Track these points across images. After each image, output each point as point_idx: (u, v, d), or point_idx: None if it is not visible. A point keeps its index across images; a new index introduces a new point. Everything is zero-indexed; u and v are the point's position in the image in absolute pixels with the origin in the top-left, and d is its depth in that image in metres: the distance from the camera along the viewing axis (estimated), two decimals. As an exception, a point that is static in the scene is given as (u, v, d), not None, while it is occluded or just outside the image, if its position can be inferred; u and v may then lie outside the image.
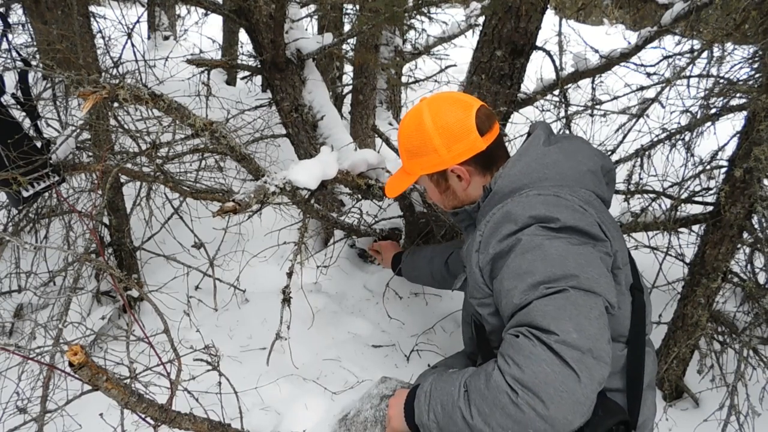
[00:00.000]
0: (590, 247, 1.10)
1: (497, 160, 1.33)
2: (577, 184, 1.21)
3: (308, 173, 1.63)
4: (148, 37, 6.04)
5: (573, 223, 1.10)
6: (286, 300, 1.80)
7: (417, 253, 2.04)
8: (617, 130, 3.03)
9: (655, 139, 2.71)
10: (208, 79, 3.10)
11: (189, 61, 2.66)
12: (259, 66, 2.82)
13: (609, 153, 2.93)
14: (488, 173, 1.34)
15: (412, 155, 1.36)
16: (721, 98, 2.33)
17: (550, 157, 1.24)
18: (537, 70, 3.02)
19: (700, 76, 2.67)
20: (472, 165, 1.32)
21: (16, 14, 2.88)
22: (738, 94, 2.23)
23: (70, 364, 1.00)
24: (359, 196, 2.25)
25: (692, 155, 2.64)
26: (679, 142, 2.66)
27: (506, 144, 1.41)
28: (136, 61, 2.97)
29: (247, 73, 4.55)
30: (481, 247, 1.20)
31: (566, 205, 1.13)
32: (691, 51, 2.74)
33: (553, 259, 1.07)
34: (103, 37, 2.75)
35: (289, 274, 1.82)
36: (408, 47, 4.85)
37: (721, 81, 2.40)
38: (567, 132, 1.53)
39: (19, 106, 2.02)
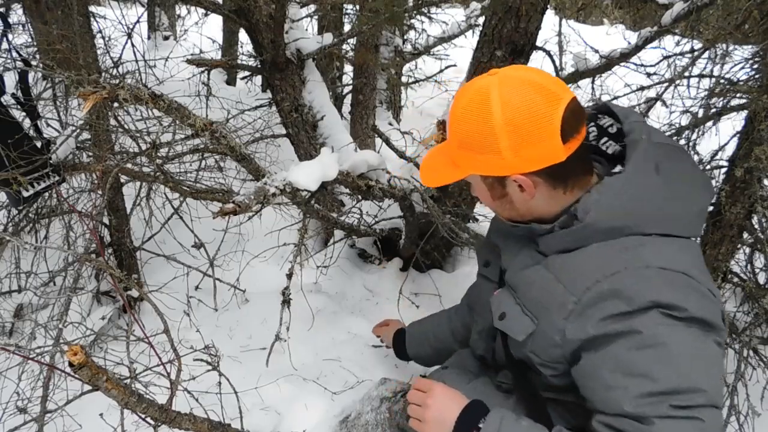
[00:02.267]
0: (713, 342, 0.90)
1: (576, 173, 1.01)
2: (686, 231, 0.97)
3: (308, 175, 1.62)
4: (148, 37, 6.04)
5: (701, 315, 0.89)
6: (286, 301, 1.80)
7: (418, 335, 1.73)
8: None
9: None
10: (208, 79, 3.10)
11: (189, 61, 2.66)
12: (259, 66, 2.82)
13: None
14: (560, 187, 1.00)
15: (467, 147, 1.00)
16: (722, 98, 2.32)
17: (664, 193, 0.95)
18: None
19: (700, 76, 2.67)
20: (543, 177, 0.99)
21: (16, 14, 2.88)
22: (738, 94, 2.23)
23: (70, 364, 1.00)
24: (359, 196, 2.25)
25: (697, 154, 2.64)
26: (681, 141, 2.66)
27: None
28: (136, 61, 2.97)
29: (247, 73, 4.56)
30: (573, 316, 0.95)
31: (696, 289, 0.90)
32: (691, 51, 2.74)
33: (679, 364, 0.86)
34: (103, 37, 2.75)
35: (289, 276, 1.82)
36: (408, 47, 4.84)
37: (722, 81, 2.40)
38: (668, 143, 1.13)
39: (19, 106, 2.02)
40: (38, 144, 1.98)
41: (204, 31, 4.65)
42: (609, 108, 1.09)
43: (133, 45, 3.03)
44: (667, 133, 2.74)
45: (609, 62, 2.89)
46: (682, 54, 2.78)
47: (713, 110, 2.39)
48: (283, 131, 2.92)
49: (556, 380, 1.05)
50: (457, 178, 1.07)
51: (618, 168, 1.01)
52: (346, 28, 4.39)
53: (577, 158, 0.98)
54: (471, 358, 1.40)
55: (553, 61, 2.91)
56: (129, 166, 2.17)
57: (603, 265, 0.93)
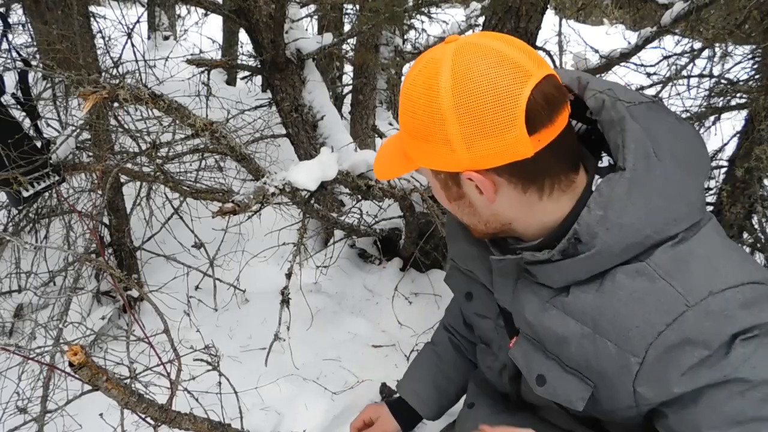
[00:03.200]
0: None
1: (552, 173, 0.77)
2: (702, 209, 0.78)
3: (308, 174, 1.62)
4: (148, 37, 6.04)
5: None
6: (285, 301, 1.80)
7: (426, 387, 1.28)
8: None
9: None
10: (208, 79, 3.10)
11: (189, 61, 2.66)
12: (259, 66, 2.82)
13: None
14: (533, 191, 0.77)
15: (413, 134, 0.78)
16: (722, 98, 2.33)
17: (674, 182, 0.75)
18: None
19: (700, 75, 2.67)
20: (504, 176, 0.76)
21: (16, 14, 2.88)
22: (738, 94, 2.23)
23: (70, 364, 1.00)
24: (359, 196, 2.25)
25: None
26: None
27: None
28: (136, 61, 2.97)
29: (247, 73, 4.56)
30: (642, 377, 0.75)
31: (762, 292, 0.72)
32: (691, 51, 2.74)
33: None
34: (103, 37, 2.75)
35: (288, 275, 1.82)
36: (408, 47, 4.84)
37: (722, 81, 2.40)
38: (641, 101, 0.82)
39: (19, 106, 2.02)
40: (38, 144, 1.98)
41: (204, 31, 4.65)
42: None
43: (133, 45, 3.03)
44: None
45: (609, 62, 2.89)
46: (682, 54, 2.78)
47: (713, 108, 2.39)
48: (283, 131, 2.92)
49: (620, 420, 0.87)
50: (407, 170, 0.85)
51: (606, 159, 0.79)
52: (346, 28, 4.39)
53: (553, 153, 0.74)
54: (489, 385, 1.15)
55: (553, 61, 2.91)
56: (129, 166, 2.17)
57: (657, 309, 0.72)
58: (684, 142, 0.80)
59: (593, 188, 0.77)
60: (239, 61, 3.85)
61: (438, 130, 0.73)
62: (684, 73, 2.74)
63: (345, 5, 4.17)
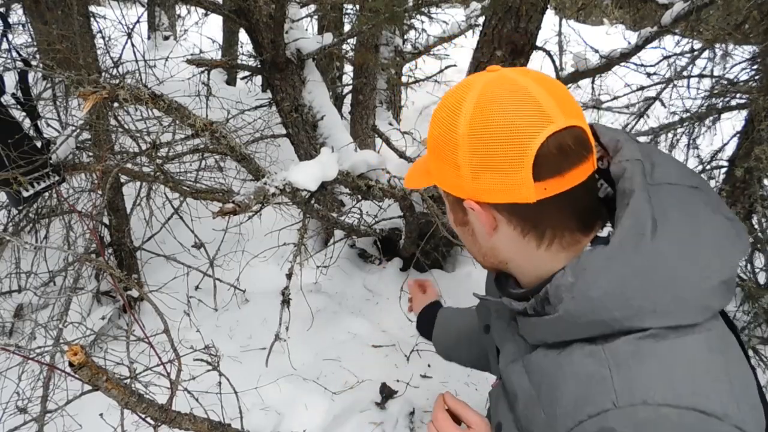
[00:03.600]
0: None
1: (555, 226, 0.75)
2: (701, 314, 0.69)
3: (308, 174, 1.62)
4: (148, 37, 6.05)
5: None
6: (286, 301, 1.80)
7: (461, 315, 1.39)
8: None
9: (658, 130, 2.71)
10: (208, 79, 3.10)
11: (189, 61, 2.66)
12: (259, 66, 2.82)
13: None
14: (532, 237, 0.76)
15: (432, 149, 0.80)
16: (722, 98, 2.33)
17: (664, 268, 0.68)
18: (537, 70, 3.02)
19: (700, 76, 2.67)
20: (504, 214, 0.75)
21: (16, 14, 2.88)
22: (738, 94, 2.23)
23: (70, 364, 1.00)
24: (359, 196, 2.25)
25: (697, 148, 2.64)
26: (683, 137, 2.66)
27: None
28: (136, 61, 2.97)
29: (247, 73, 4.56)
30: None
31: (709, 429, 0.64)
32: (691, 51, 2.74)
33: None
34: (103, 37, 2.75)
35: (289, 276, 1.82)
36: (408, 47, 4.85)
37: (722, 81, 2.40)
38: (677, 183, 0.74)
39: (19, 106, 2.02)
40: (38, 144, 1.98)
41: (204, 31, 4.66)
42: (596, 132, 0.81)
43: (133, 45, 3.03)
44: (670, 129, 2.75)
45: (609, 62, 2.89)
46: (682, 54, 2.79)
47: (713, 108, 2.39)
48: (283, 131, 2.92)
49: None
50: (425, 184, 0.84)
51: (608, 230, 0.76)
52: (346, 28, 4.39)
53: (560, 206, 0.72)
54: None
55: (553, 61, 2.91)
56: (129, 166, 2.17)
57: (587, 396, 0.68)
58: (703, 233, 0.71)
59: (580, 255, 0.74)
60: (239, 61, 3.85)
61: (450, 152, 0.74)
62: (684, 73, 2.74)
63: (345, 5, 4.17)
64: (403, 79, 5.24)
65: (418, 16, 4.54)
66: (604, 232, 0.75)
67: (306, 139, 2.77)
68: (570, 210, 0.73)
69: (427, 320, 1.44)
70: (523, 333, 0.81)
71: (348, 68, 4.89)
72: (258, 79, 4.95)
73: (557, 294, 0.72)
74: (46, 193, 2.18)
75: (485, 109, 0.70)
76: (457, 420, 0.91)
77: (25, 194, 1.92)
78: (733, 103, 2.35)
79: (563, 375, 0.72)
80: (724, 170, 2.28)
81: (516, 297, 0.81)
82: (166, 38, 6.24)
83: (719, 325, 0.70)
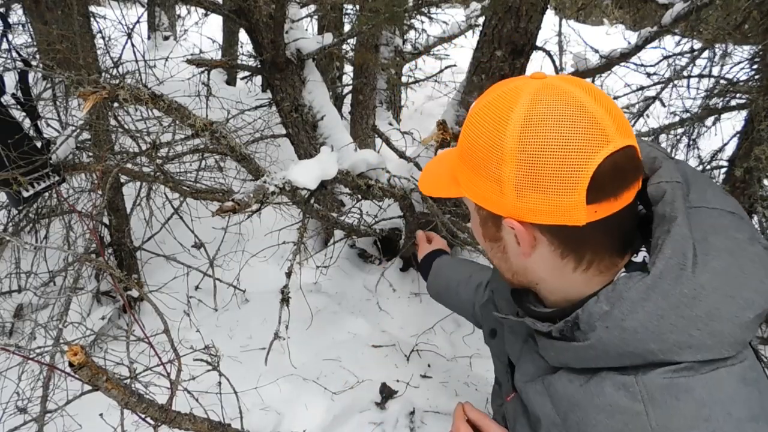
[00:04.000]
0: None
1: (597, 249, 0.70)
2: (735, 346, 0.66)
3: (307, 173, 1.63)
4: (148, 37, 6.05)
5: None
6: (285, 300, 1.80)
7: (453, 266, 1.46)
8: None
9: (659, 130, 2.71)
10: (208, 79, 3.10)
11: (189, 61, 2.66)
12: (259, 66, 2.82)
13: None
14: (571, 259, 0.71)
15: (467, 161, 0.73)
16: (722, 98, 2.33)
17: (704, 305, 0.65)
18: (537, 71, 3.02)
19: (700, 76, 2.67)
20: (546, 235, 0.70)
21: (16, 14, 2.89)
22: (738, 94, 2.23)
23: (70, 364, 1.00)
24: (359, 196, 2.25)
25: (697, 148, 2.64)
26: (683, 137, 2.66)
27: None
28: (136, 61, 2.97)
29: (247, 73, 4.57)
30: None
31: None
32: (691, 51, 2.75)
33: None
34: (103, 37, 2.75)
35: (288, 274, 1.82)
36: (408, 47, 4.85)
37: (722, 81, 2.41)
38: (714, 207, 0.71)
39: (19, 106, 2.02)
40: (38, 144, 1.98)
41: (204, 31, 4.66)
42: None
43: (133, 45, 3.03)
44: (667, 135, 2.75)
45: (609, 62, 2.89)
46: (682, 54, 2.79)
47: (713, 109, 2.39)
48: (283, 131, 2.92)
49: None
50: (454, 195, 0.78)
51: (642, 255, 0.71)
52: (346, 28, 4.39)
53: (606, 229, 0.68)
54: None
55: (553, 61, 2.91)
56: (129, 166, 2.17)
57: (621, 428, 0.66)
58: (744, 267, 0.68)
59: (614, 279, 0.70)
60: (239, 61, 3.85)
61: (493, 166, 0.68)
62: (684, 73, 2.74)
63: (345, 5, 4.17)
64: (403, 79, 5.24)
65: (418, 16, 4.55)
66: (638, 257, 0.72)
67: (306, 139, 2.77)
68: (615, 233, 0.69)
69: (426, 266, 1.55)
70: (544, 354, 0.78)
71: (348, 68, 4.89)
72: (258, 79, 4.95)
73: (590, 321, 0.69)
74: (46, 193, 2.18)
75: (538, 123, 0.64)
76: (476, 430, 0.89)
77: (25, 194, 1.92)
78: (733, 103, 2.35)
79: (594, 407, 0.69)
80: (724, 170, 2.28)
81: (539, 317, 0.77)
82: (166, 38, 6.24)
83: (750, 354, 0.67)
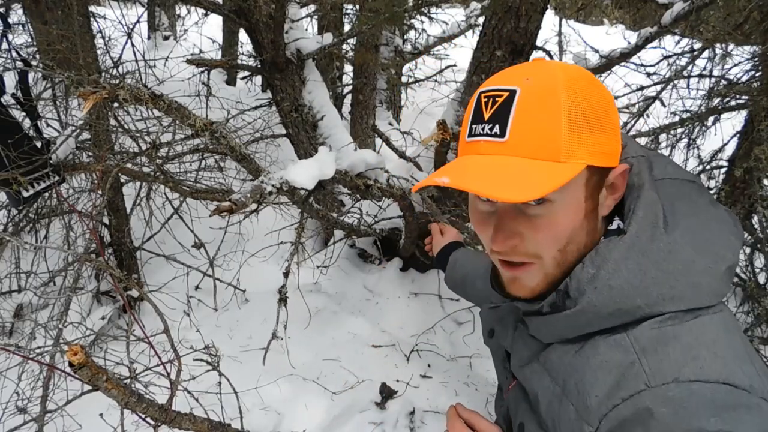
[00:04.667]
0: None
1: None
2: (713, 297, 0.73)
3: (305, 173, 1.63)
4: (148, 37, 6.05)
5: None
6: (283, 300, 1.80)
7: (470, 258, 1.46)
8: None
9: (659, 130, 2.71)
10: (208, 79, 3.10)
11: (189, 61, 2.66)
12: (259, 66, 2.82)
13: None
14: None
15: (588, 126, 0.71)
16: (722, 98, 2.33)
17: (679, 257, 0.72)
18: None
19: (700, 76, 2.67)
20: (621, 181, 0.76)
21: (16, 14, 2.89)
22: (738, 95, 2.23)
23: (70, 364, 1.00)
24: (358, 196, 2.25)
25: (697, 148, 2.64)
26: (683, 138, 2.66)
27: None
28: (136, 61, 2.97)
29: (247, 73, 4.57)
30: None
31: (747, 405, 0.66)
32: (691, 51, 2.74)
33: None
34: (103, 37, 2.76)
35: (286, 274, 1.82)
36: (408, 47, 4.85)
37: (722, 81, 2.40)
38: (676, 177, 0.80)
39: (19, 106, 2.02)
40: (38, 144, 1.98)
41: (204, 31, 4.65)
42: None
43: (133, 45, 3.03)
44: (667, 134, 2.74)
45: (609, 62, 2.89)
46: (682, 54, 2.79)
47: (713, 109, 2.39)
48: (283, 131, 2.92)
49: None
50: (570, 176, 0.70)
51: (616, 222, 0.78)
52: (346, 28, 4.39)
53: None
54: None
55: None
56: (129, 166, 2.17)
57: (619, 382, 0.70)
58: (710, 225, 0.76)
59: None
60: (239, 61, 3.85)
61: (612, 117, 0.74)
62: (684, 73, 2.74)
63: (345, 5, 4.17)
64: (403, 79, 5.24)
65: (418, 16, 4.55)
66: (613, 225, 0.78)
67: (306, 139, 2.77)
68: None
69: (443, 259, 1.54)
70: (535, 333, 0.82)
71: (348, 68, 4.89)
72: (258, 79, 4.95)
73: (579, 287, 0.74)
74: (46, 193, 2.18)
75: (583, 86, 0.73)
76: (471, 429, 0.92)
77: (25, 194, 1.92)
78: (733, 103, 2.35)
79: (590, 367, 0.73)
80: (724, 170, 2.28)
81: (525, 300, 0.80)
82: (166, 38, 6.24)
83: (726, 308, 0.74)
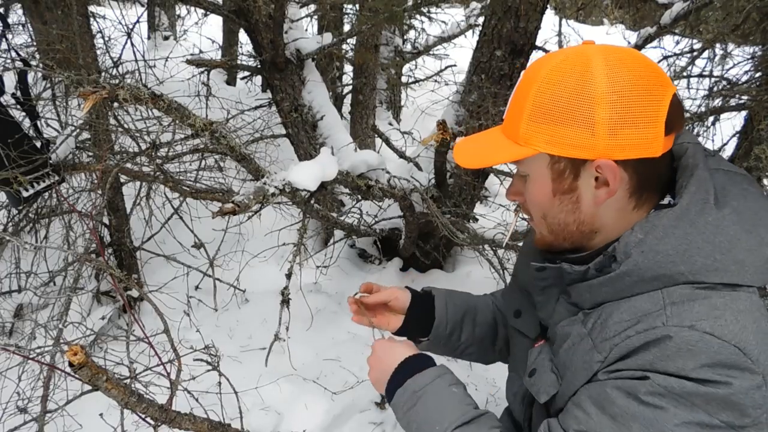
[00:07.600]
0: None
1: (652, 186, 0.80)
2: (756, 279, 0.75)
3: (307, 174, 1.63)
4: (148, 37, 6.05)
5: (738, 400, 0.70)
6: (285, 301, 1.80)
7: (455, 304, 1.24)
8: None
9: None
10: (208, 79, 3.10)
11: (189, 61, 2.66)
12: (259, 66, 2.82)
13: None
14: (635, 198, 0.79)
15: (545, 117, 0.77)
16: (722, 98, 2.33)
17: (726, 233, 0.74)
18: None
19: (700, 75, 2.67)
20: (629, 172, 0.77)
21: (16, 14, 2.88)
22: (738, 95, 2.23)
23: (70, 364, 1.00)
24: (359, 196, 2.25)
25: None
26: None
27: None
28: (136, 61, 2.97)
29: (247, 73, 4.56)
30: (594, 382, 0.78)
31: (744, 368, 0.69)
32: (691, 51, 2.74)
33: None
34: (103, 37, 2.76)
35: (288, 275, 1.82)
36: (408, 47, 4.85)
37: (722, 81, 2.40)
38: (729, 169, 0.84)
39: (19, 106, 2.02)
40: (38, 144, 1.98)
41: (204, 31, 4.65)
42: None
43: (133, 45, 3.03)
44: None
45: (609, 62, 2.89)
46: (681, 54, 2.78)
47: (713, 108, 2.39)
48: (283, 131, 2.93)
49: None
50: (514, 157, 0.82)
51: (667, 199, 0.81)
52: (346, 28, 4.39)
53: (665, 164, 0.80)
54: (507, 420, 1.12)
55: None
56: (129, 166, 2.17)
57: (639, 319, 0.74)
58: (759, 212, 0.78)
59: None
60: (239, 61, 3.85)
61: (584, 112, 0.75)
62: (684, 73, 2.74)
63: (345, 5, 4.17)
64: (403, 79, 5.23)
65: (417, 16, 4.55)
66: (665, 200, 0.82)
67: (306, 139, 2.77)
68: (663, 171, 0.81)
69: (423, 313, 1.28)
70: (579, 300, 0.84)
71: (348, 68, 4.89)
72: (258, 79, 4.95)
73: (626, 250, 0.77)
74: (46, 193, 2.18)
75: (620, 67, 0.74)
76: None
77: (25, 194, 1.92)
78: (733, 102, 2.34)
79: (618, 310, 0.77)
80: (723, 170, 2.28)
81: (573, 262, 0.84)
82: (166, 38, 6.24)
83: (759, 301, 0.76)
